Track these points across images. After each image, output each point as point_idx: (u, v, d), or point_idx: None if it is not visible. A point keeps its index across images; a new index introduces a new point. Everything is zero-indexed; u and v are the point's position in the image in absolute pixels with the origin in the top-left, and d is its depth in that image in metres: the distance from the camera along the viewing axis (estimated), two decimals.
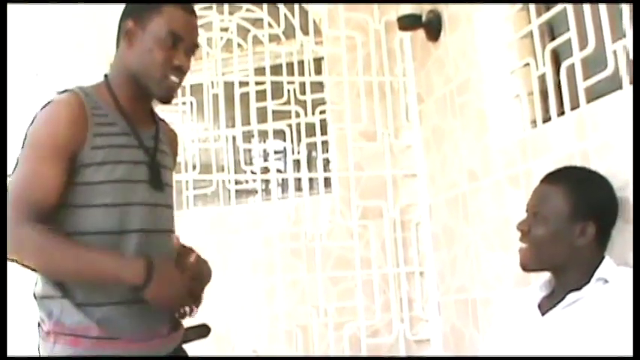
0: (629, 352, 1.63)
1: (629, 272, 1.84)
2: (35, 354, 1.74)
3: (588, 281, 1.86)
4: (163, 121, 2.02)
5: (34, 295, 1.75)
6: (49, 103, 1.76)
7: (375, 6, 3.80)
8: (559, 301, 1.89)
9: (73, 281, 1.69)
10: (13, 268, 1.72)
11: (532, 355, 1.88)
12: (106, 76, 1.88)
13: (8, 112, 2.17)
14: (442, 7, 3.30)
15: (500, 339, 2.09)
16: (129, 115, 1.82)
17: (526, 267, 2.01)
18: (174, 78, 1.83)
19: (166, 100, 1.87)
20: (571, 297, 1.85)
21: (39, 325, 1.74)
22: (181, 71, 1.84)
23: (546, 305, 1.95)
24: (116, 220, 1.73)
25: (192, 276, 1.75)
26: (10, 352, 1.92)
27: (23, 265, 1.68)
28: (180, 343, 1.87)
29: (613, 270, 1.86)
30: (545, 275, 2.05)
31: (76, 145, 1.71)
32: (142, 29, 1.81)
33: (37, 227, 1.65)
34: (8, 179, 1.72)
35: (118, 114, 1.80)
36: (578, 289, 1.86)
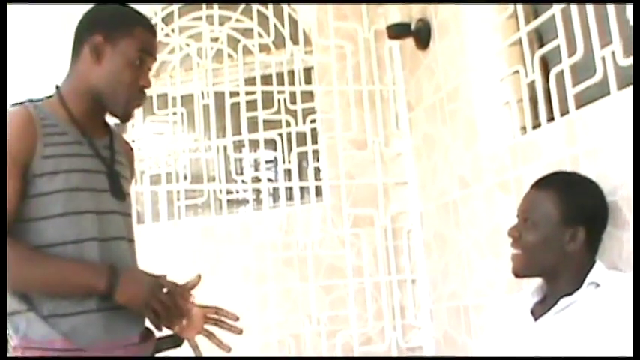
0: (623, 355, 1.64)
1: (620, 276, 1.85)
2: None
3: (580, 286, 1.87)
4: (119, 132, 2.01)
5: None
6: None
7: (365, 15, 3.81)
8: (551, 307, 1.90)
9: (42, 292, 1.69)
10: None
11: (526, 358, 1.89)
12: (57, 87, 1.87)
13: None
14: (431, 16, 3.32)
15: (493, 345, 2.10)
16: (81, 124, 1.81)
17: (518, 273, 2.02)
18: (139, 99, 1.86)
19: (126, 120, 1.89)
20: (563, 302, 1.86)
21: (7, 339, 1.72)
22: (145, 91, 1.87)
23: (539, 311, 1.96)
24: (73, 230, 1.72)
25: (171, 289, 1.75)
26: None
27: None
28: (153, 353, 1.86)
29: (604, 274, 1.87)
30: (537, 281, 2.06)
31: (26, 157, 1.70)
32: (112, 47, 1.80)
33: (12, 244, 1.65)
34: None
35: (69, 124, 1.79)
36: (570, 293, 1.87)
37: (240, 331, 1.89)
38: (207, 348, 1.92)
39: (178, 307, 1.75)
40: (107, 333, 1.71)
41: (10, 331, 1.71)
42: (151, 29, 1.89)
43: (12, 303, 1.70)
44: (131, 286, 1.68)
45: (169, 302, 1.72)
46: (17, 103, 1.78)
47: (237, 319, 1.90)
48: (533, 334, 1.91)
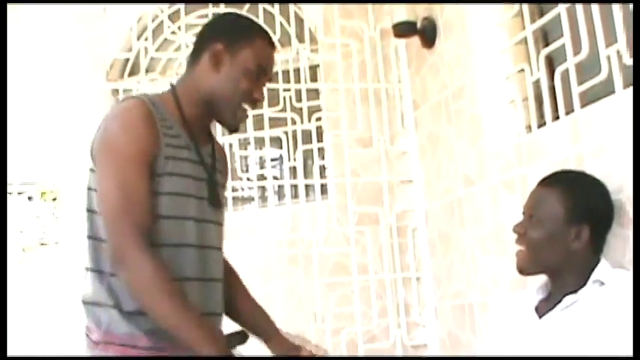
0: (627, 353, 1.65)
1: (625, 274, 1.85)
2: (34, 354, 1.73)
3: (584, 284, 1.88)
4: (216, 140, 2.01)
5: (83, 300, 1.73)
6: (115, 110, 1.76)
7: (370, 13, 3.82)
8: (556, 304, 1.90)
9: (160, 325, 1.64)
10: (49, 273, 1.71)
11: (530, 358, 1.89)
12: (173, 87, 1.88)
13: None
14: (437, 14, 3.32)
15: (497, 343, 2.10)
16: (191, 129, 1.82)
17: (523, 270, 2.03)
18: (250, 107, 1.86)
19: (234, 130, 1.89)
20: (568, 299, 1.87)
21: (86, 334, 1.73)
22: (257, 104, 1.87)
23: (543, 308, 1.96)
24: (175, 233, 1.73)
25: None
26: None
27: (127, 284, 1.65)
28: None
29: (609, 272, 1.88)
30: (542, 279, 2.06)
31: (154, 152, 1.70)
32: (231, 56, 1.80)
33: (152, 259, 1.61)
34: (95, 194, 1.71)
35: (181, 127, 1.80)
36: (575, 291, 1.87)
37: None
38: None
39: None
40: None
41: (90, 324, 1.71)
42: (271, 43, 1.88)
43: (98, 293, 1.70)
44: None
45: None
46: (132, 97, 1.79)
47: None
48: (537, 332, 1.91)
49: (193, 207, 1.77)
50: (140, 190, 1.67)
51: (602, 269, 1.89)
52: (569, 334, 1.81)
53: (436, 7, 3.33)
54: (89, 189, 1.76)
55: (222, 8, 3.82)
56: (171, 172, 1.73)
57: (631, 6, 2.06)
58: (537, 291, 2.05)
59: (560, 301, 1.88)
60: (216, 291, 1.83)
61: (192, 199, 1.77)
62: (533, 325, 1.94)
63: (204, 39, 1.86)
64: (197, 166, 1.81)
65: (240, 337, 1.92)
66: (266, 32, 1.89)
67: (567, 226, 1.92)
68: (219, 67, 1.81)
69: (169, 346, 1.67)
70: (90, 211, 1.75)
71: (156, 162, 1.70)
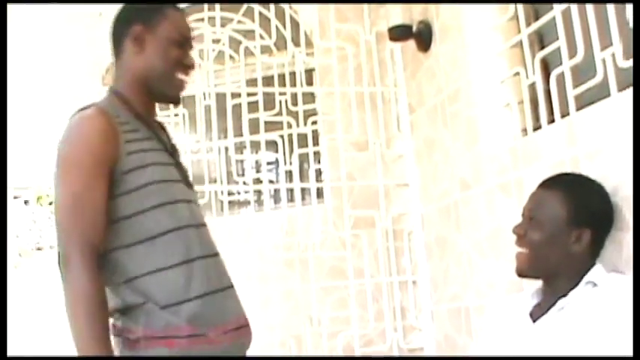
0: (621, 354, 1.65)
1: (618, 277, 1.85)
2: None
3: (577, 286, 1.88)
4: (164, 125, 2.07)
5: (115, 309, 1.74)
6: (73, 121, 1.79)
7: (366, 17, 3.82)
8: (550, 307, 1.90)
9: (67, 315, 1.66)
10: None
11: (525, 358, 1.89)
12: (111, 88, 1.91)
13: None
14: (432, 18, 3.32)
15: (491, 346, 2.10)
16: (145, 120, 1.87)
17: (522, 272, 2.02)
18: (185, 76, 1.91)
19: (178, 100, 1.94)
20: (561, 302, 1.87)
21: (116, 335, 1.73)
22: (191, 69, 1.92)
23: (537, 312, 1.96)
24: (172, 218, 1.77)
25: None
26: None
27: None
28: None
29: (603, 275, 1.88)
30: (538, 283, 2.06)
31: (113, 157, 1.73)
32: (152, 32, 1.86)
33: (91, 275, 1.65)
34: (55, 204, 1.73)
35: (136, 121, 1.84)
36: (568, 294, 1.87)
37: None
38: None
39: None
40: (223, 314, 1.78)
41: (125, 326, 1.72)
42: (181, 10, 1.94)
43: (130, 298, 1.72)
44: None
45: None
46: (87, 106, 1.81)
47: None
48: (531, 336, 1.91)
49: (177, 190, 1.82)
50: (92, 201, 1.70)
51: (596, 272, 1.89)
52: (563, 338, 1.81)
53: (432, 11, 3.33)
54: None
55: (218, 11, 3.82)
56: (143, 165, 1.76)
57: (626, 8, 2.06)
58: (532, 295, 2.04)
59: (553, 305, 1.88)
60: (222, 265, 1.90)
61: (173, 184, 1.82)
62: (527, 330, 1.94)
63: (120, 28, 1.91)
64: (162, 153, 1.86)
65: None
66: (172, 4, 1.94)
67: (568, 228, 1.92)
68: (144, 46, 1.86)
69: (209, 331, 1.72)
70: None
71: (119, 162, 1.73)
